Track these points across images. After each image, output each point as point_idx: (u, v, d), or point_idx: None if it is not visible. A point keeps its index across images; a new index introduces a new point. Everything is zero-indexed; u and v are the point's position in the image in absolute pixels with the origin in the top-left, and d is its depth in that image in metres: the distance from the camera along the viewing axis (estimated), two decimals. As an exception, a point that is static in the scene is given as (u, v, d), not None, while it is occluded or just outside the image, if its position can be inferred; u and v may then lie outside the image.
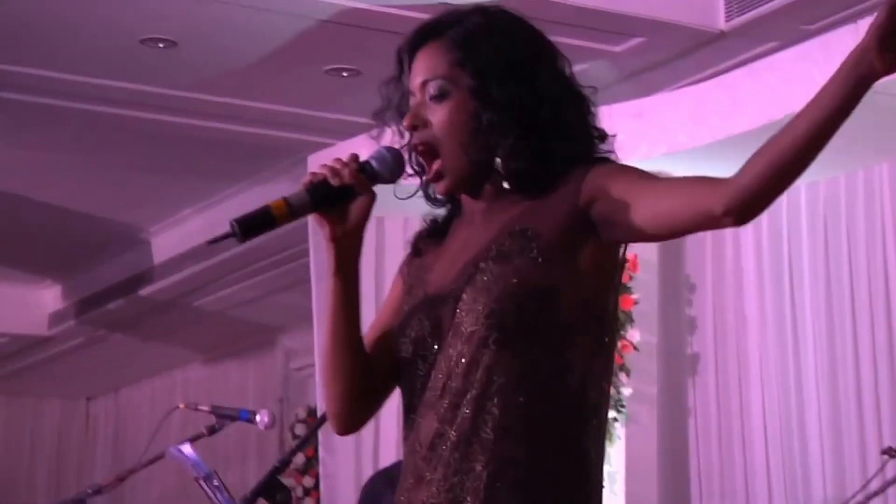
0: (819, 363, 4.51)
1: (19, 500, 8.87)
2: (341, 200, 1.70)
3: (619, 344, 4.42)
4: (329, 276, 1.75)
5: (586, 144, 1.71)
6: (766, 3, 4.32)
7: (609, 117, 4.99)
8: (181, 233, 6.48)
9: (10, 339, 7.74)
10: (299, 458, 6.41)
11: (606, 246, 1.66)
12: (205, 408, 3.60)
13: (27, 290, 7.51)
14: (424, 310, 1.70)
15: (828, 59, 4.05)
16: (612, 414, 4.40)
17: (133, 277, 6.88)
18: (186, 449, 3.45)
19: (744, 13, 4.39)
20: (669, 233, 1.61)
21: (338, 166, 1.68)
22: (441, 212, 1.81)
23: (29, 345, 7.82)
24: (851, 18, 4.19)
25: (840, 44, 4.06)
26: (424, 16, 4.78)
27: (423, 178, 1.76)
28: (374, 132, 1.78)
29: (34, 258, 7.05)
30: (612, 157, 1.74)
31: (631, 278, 4.47)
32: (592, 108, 1.74)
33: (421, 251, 1.80)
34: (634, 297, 4.46)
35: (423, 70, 1.72)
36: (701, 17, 4.45)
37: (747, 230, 4.77)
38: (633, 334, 4.44)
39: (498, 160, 1.69)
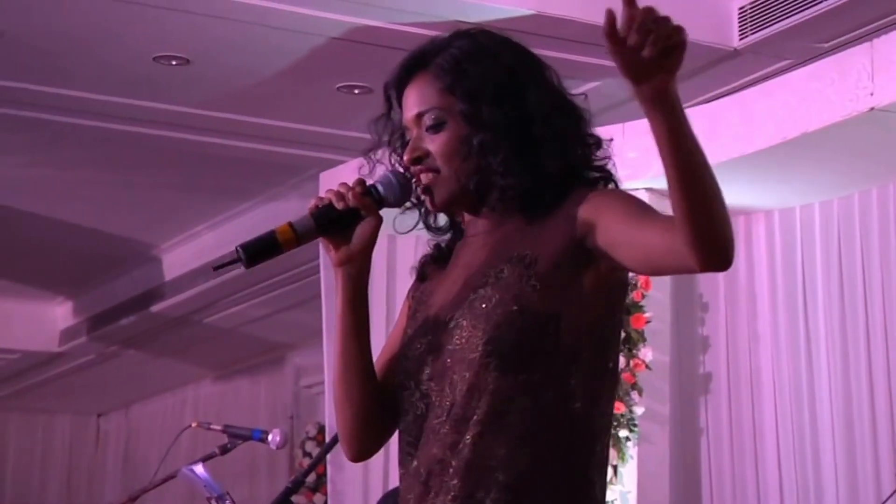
0: (833, 382, 4.50)
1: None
2: (347, 225, 1.70)
3: (632, 363, 4.40)
4: (337, 301, 1.74)
5: (581, 155, 1.71)
6: (780, 21, 4.31)
7: (622, 135, 4.99)
8: (193, 250, 6.49)
9: (21, 356, 7.77)
10: (310, 476, 6.39)
11: (607, 272, 1.64)
12: (217, 427, 3.59)
13: (39, 306, 7.53)
14: (424, 334, 1.69)
15: (842, 77, 4.05)
16: (624, 433, 4.38)
17: (144, 294, 6.89)
18: (199, 469, 3.44)
19: (758, 31, 4.37)
20: (658, 274, 1.64)
21: (343, 190, 1.68)
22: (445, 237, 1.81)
23: (40, 361, 7.84)
24: (866, 37, 4.18)
25: (854, 62, 4.05)
26: (435, 33, 4.79)
27: (422, 208, 1.76)
28: (366, 169, 1.77)
29: (46, 275, 7.07)
30: (610, 165, 1.74)
31: (644, 297, 4.46)
32: (585, 117, 1.73)
33: (426, 276, 1.79)
34: (647, 315, 4.45)
35: (416, 103, 1.72)
36: (715, 35, 4.45)
37: (761, 249, 4.76)
38: (646, 353, 4.42)
39: (495, 179, 1.68)
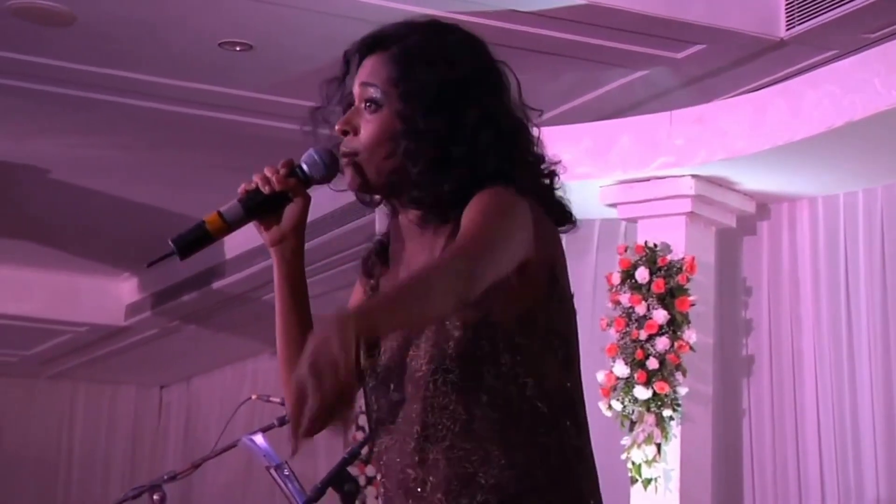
0: (873, 366, 4.54)
1: (97, 483, 9.14)
2: (277, 207, 1.71)
3: (676, 344, 4.48)
4: (275, 281, 1.76)
5: (510, 175, 1.66)
6: (828, 11, 4.34)
7: (669, 123, 5.07)
8: (252, 229, 6.54)
9: (89, 329, 7.94)
10: (363, 448, 6.52)
11: (526, 266, 1.61)
12: (276, 399, 3.69)
13: (106, 281, 7.71)
14: (385, 347, 1.69)
15: (888, 68, 4.10)
16: (667, 412, 4.45)
17: (206, 271, 7.03)
18: (259, 439, 3.57)
19: (805, 22, 4.40)
20: None
21: (269, 174, 1.69)
22: (382, 225, 1.81)
23: (107, 334, 8.01)
24: (912, 28, 4.22)
25: (901, 53, 4.10)
26: (490, 22, 4.87)
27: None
28: (308, 128, 1.74)
29: (113, 252, 7.23)
30: (557, 181, 1.70)
31: (688, 280, 4.51)
32: (532, 135, 1.70)
33: (372, 273, 1.78)
34: (692, 298, 4.49)
35: (366, 73, 1.71)
36: (762, 26, 4.49)
37: (804, 235, 4.80)
38: (690, 335, 4.46)
39: (407, 187, 1.67)
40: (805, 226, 4.79)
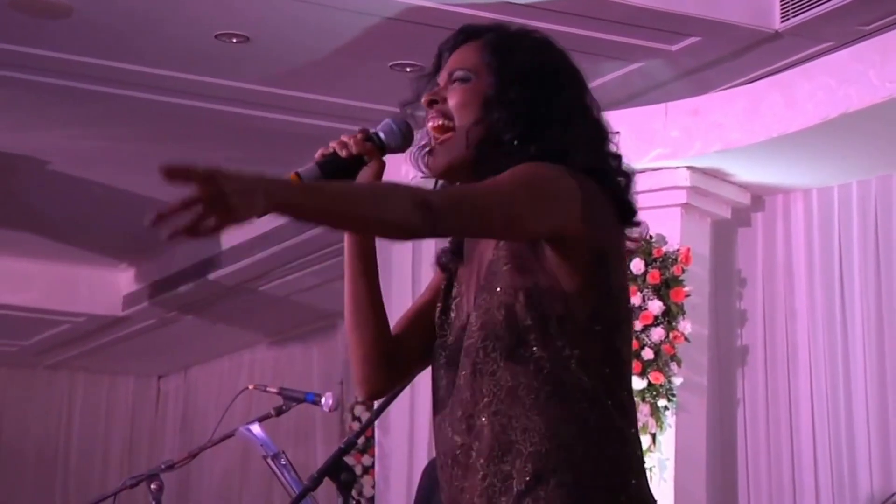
0: (867, 356, 4.57)
1: (95, 472, 9.18)
2: (352, 172, 1.75)
3: (671, 335, 4.51)
4: (346, 248, 1.81)
5: (588, 162, 1.71)
6: (822, 3, 4.35)
7: (665, 114, 5.09)
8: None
9: (87, 319, 7.97)
10: (359, 439, 6.53)
11: (568, 244, 1.66)
12: (273, 389, 3.68)
13: (104, 272, 7.73)
14: (457, 329, 1.75)
15: (883, 59, 4.12)
16: (662, 402, 4.49)
17: (203, 262, 7.06)
18: (255, 429, 3.58)
19: (799, 14, 4.41)
20: None
21: (346, 139, 1.75)
22: None
23: (105, 324, 8.04)
24: (907, 20, 4.23)
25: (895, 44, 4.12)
26: (486, 14, 4.88)
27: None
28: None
29: (111, 243, 7.25)
30: (627, 166, 1.76)
31: (683, 271, 4.53)
32: (611, 138, 1.76)
33: (447, 267, 1.82)
34: (687, 289, 4.51)
35: (455, 61, 1.78)
36: (757, 18, 4.51)
37: (799, 226, 4.83)
38: (685, 326, 4.48)
39: (495, 155, 1.70)
40: (800, 217, 4.81)
